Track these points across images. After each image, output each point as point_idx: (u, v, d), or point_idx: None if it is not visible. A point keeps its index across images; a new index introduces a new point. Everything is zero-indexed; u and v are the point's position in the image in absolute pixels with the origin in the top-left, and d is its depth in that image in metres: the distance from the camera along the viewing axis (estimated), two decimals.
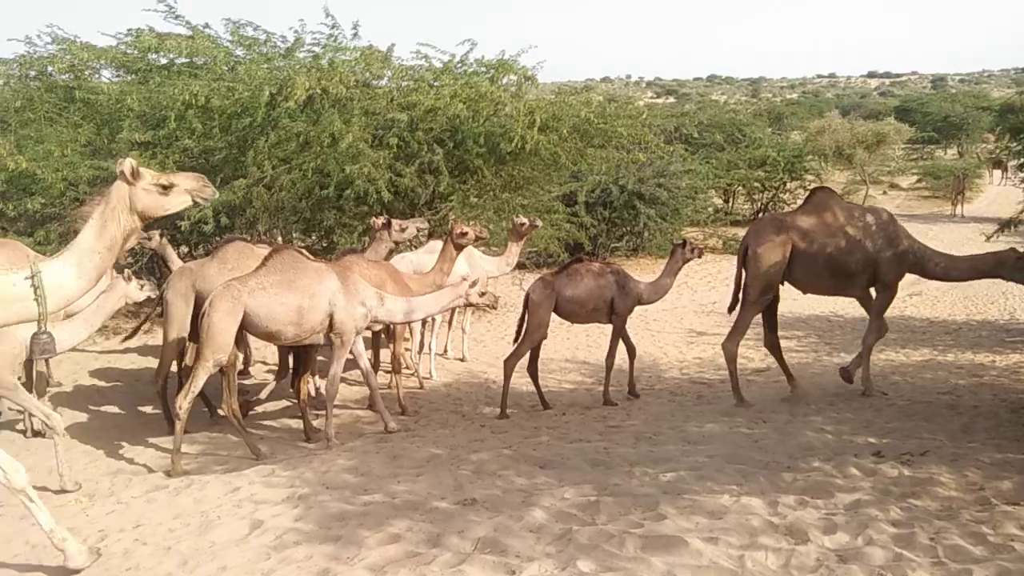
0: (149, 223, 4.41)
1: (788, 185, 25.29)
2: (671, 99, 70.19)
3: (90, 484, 5.89)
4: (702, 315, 13.43)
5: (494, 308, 7.52)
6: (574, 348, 11.00)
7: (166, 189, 4.09)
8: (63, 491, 5.63)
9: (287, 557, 4.20)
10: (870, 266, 7.33)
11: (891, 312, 12.68)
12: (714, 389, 8.44)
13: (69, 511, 5.17)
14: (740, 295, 7.52)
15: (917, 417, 6.55)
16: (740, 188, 25.07)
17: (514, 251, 9.46)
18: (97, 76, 11.53)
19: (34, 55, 11.16)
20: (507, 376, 7.61)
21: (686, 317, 13.38)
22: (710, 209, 23.79)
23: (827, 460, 5.26)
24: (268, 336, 6.57)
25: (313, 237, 12.83)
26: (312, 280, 6.48)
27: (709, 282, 16.46)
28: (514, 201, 12.75)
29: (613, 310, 7.75)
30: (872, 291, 7.65)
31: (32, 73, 11.25)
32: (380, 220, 8.55)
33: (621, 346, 7.95)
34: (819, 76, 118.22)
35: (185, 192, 4.16)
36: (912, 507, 4.34)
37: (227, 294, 6.23)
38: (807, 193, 8.03)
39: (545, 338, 7.82)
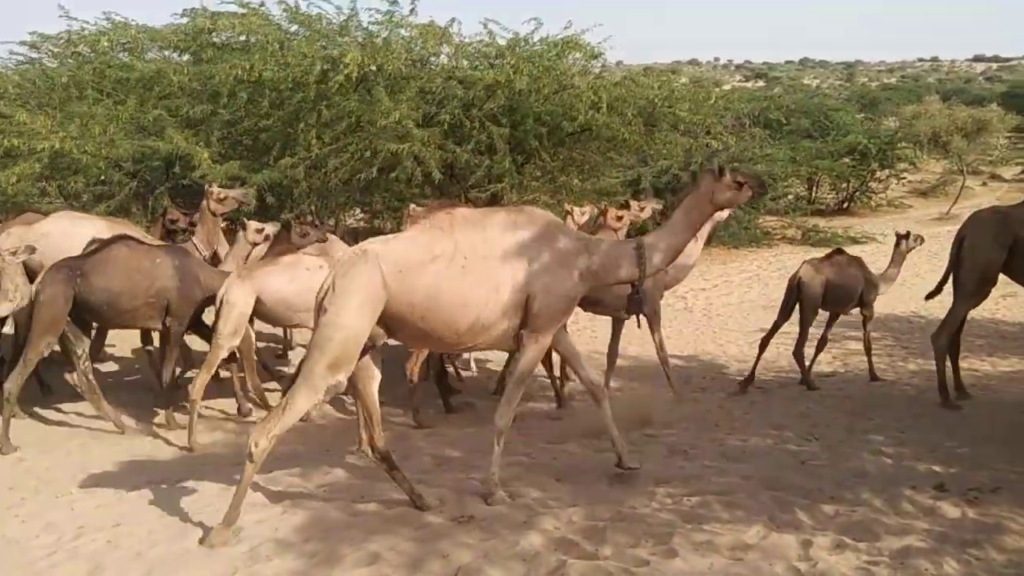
0: None
1: (878, 174, 23.89)
2: (760, 83, 67.84)
3: (99, 473, 5.71)
4: (770, 310, 12.59)
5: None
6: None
7: (740, 186, 4.82)
8: None
9: (255, 572, 3.86)
10: None
11: (979, 313, 11.67)
12: (769, 395, 7.76)
13: (56, 503, 4.96)
14: (951, 286, 7.23)
15: (994, 441, 5.76)
16: (825, 176, 23.77)
17: None
18: (150, 55, 11.45)
19: (83, 32, 11.16)
20: (760, 353, 8.17)
21: (753, 312, 12.62)
22: (790, 197, 22.68)
23: (879, 491, 4.60)
24: None
25: (359, 218, 12.60)
26: None
27: (784, 274, 15.55)
28: (571, 184, 12.22)
29: (860, 300, 8.11)
30: None
31: (85, 51, 11.26)
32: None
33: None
34: (920, 60, 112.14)
35: (748, 189, 4.84)
36: (972, 560, 3.67)
37: None
38: None
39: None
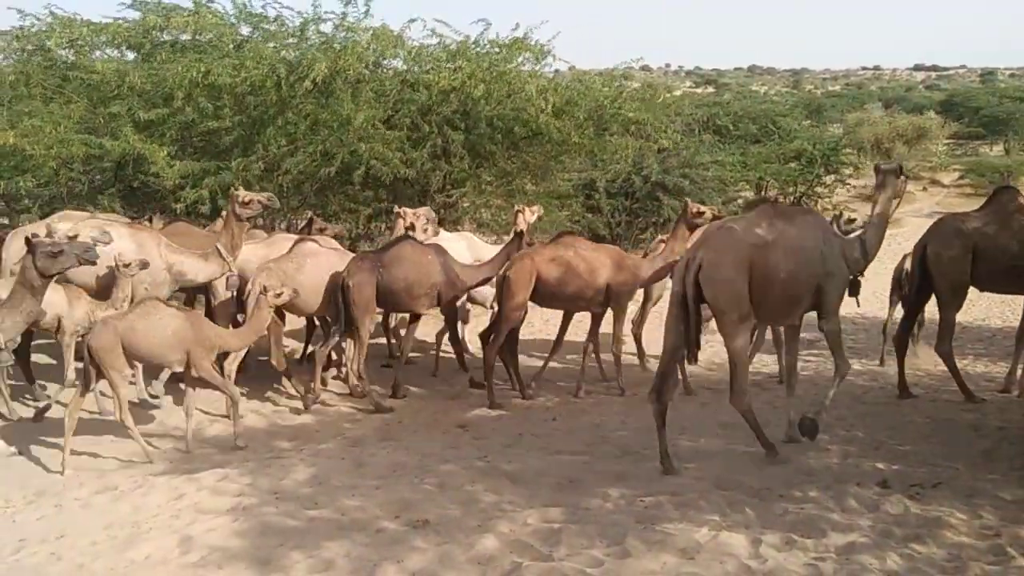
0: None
1: (824, 179, 24.40)
2: (710, 89, 68.76)
3: (41, 484, 5.53)
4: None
5: None
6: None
7: (906, 180, 6.21)
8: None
9: None
10: None
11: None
12: (719, 395, 7.85)
13: None
14: (911, 293, 7.62)
15: (934, 439, 5.94)
16: (773, 181, 24.21)
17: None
18: (97, 53, 11.16)
19: (31, 28, 10.85)
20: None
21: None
22: (739, 201, 23.06)
23: (826, 489, 4.72)
24: None
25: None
26: None
27: None
28: (524, 187, 12.27)
29: None
30: None
31: (29, 47, 10.94)
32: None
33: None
34: (863, 68, 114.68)
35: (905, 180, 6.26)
36: (914, 555, 3.79)
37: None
38: (991, 193, 7.90)
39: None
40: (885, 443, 5.85)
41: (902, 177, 6.15)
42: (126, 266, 6.64)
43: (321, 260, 7.39)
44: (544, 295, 7.53)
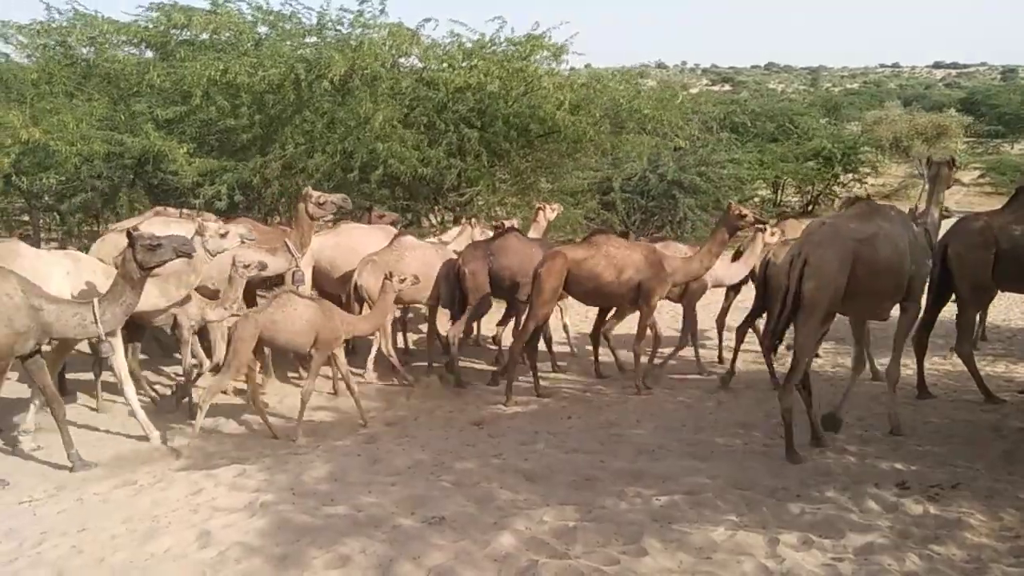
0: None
1: (841, 178, 24.23)
2: (727, 87, 68.37)
3: (61, 478, 5.59)
4: (739, 311, 12.72)
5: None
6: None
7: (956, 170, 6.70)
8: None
9: None
10: None
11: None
12: (736, 395, 7.83)
13: (18, 509, 4.87)
14: (937, 294, 7.31)
15: (954, 440, 5.89)
16: (789, 179, 24.05)
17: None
18: (118, 51, 11.26)
19: (52, 23, 10.98)
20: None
21: (731, 313, 12.71)
22: (756, 200, 22.92)
23: (844, 489, 4.68)
24: None
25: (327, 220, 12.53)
26: None
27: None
28: (539, 185, 12.29)
29: None
30: None
31: (51, 43, 11.06)
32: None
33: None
34: (882, 66, 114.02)
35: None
36: (933, 556, 3.76)
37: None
38: (1013, 192, 7.72)
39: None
40: (904, 443, 5.81)
41: (953, 169, 6.75)
42: (246, 267, 6.83)
43: (418, 253, 8.10)
44: (575, 292, 7.68)
